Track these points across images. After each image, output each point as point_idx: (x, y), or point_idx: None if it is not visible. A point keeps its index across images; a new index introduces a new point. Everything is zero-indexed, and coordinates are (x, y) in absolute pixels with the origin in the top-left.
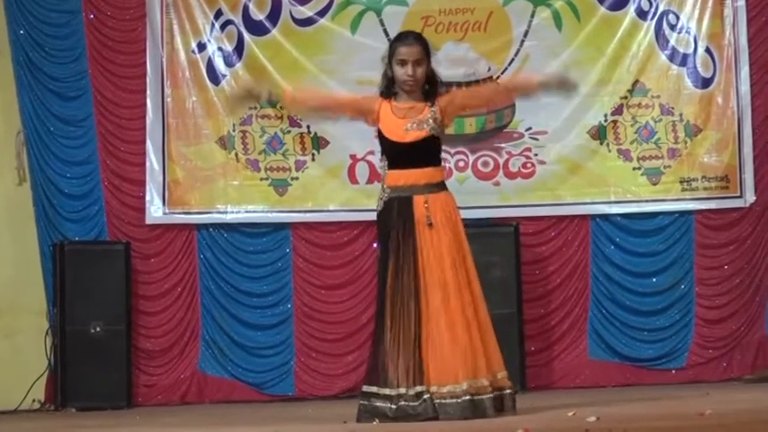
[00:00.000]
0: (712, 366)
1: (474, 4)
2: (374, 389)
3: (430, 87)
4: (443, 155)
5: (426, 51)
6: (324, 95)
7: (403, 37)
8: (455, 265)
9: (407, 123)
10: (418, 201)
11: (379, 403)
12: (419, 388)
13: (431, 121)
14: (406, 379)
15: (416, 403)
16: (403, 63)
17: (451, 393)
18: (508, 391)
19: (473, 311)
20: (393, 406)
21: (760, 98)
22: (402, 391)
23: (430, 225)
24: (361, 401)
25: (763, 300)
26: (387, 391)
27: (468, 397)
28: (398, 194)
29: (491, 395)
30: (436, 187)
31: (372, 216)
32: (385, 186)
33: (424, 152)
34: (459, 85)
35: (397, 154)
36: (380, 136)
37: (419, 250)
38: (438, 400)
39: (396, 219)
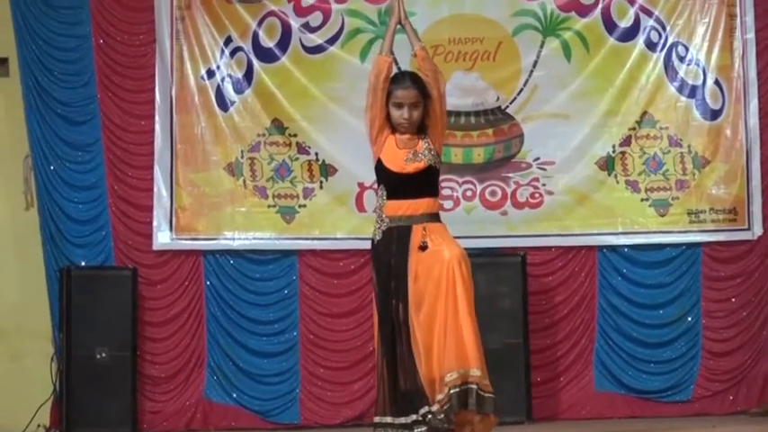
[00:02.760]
0: (719, 399)
1: (483, 34)
2: (388, 419)
3: (425, 123)
4: (451, 184)
5: (423, 93)
6: (384, 82)
7: (400, 79)
8: (442, 278)
9: (407, 155)
10: (417, 229)
11: None
12: (423, 410)
13: (426, 152)
14: (412, 406)
15: (424, 428)
16: (399, 106)
17: (440, 401)
18: (474, 386)
19: (453, 312)
20: None
21: None
22: (413, 417)
23: (424, 248)
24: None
25: None
26: (402, 420)
27: (455, 389)
28: (397, 224)
29: (457, 389)
30: (434, 217)
31: None
32: (384, 216)
33: (423, 183)
34: (467, 114)
35: (398, 184)
36: (380, 166)
37: (410, 276)
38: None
39: (394, 248)
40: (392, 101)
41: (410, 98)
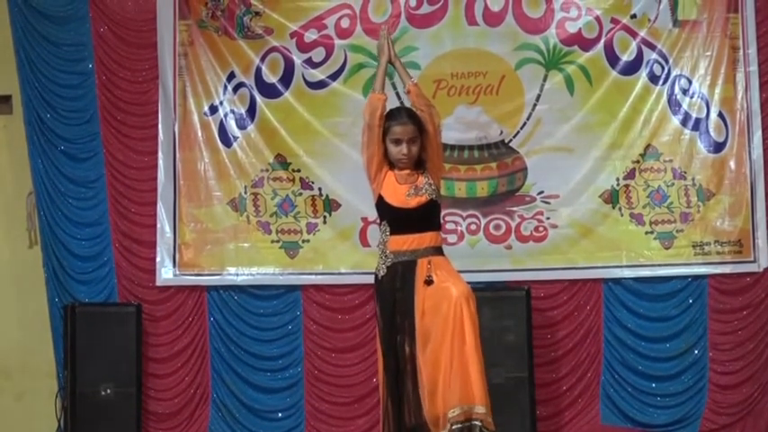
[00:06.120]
0: None
1: (486, 68)
2: None
3: (422, 157)
4: (455, 218)
5: (420, 128)
6: (380, 120)
7: (396, 115)
8: (449, 315)
9: (408, 189)
10: (422, 263)
11: None
12: None
13: (427, 186)
14: None
15: None
16: (397, 142)
17: None
18: (478, 423)
19: (459, 349)
20: None
21: None
22: None
23: (429, 282)
24: None
25: None
26: None
27: (457, 425)
28: (402, 259)
29: (460, 425)
30: (438, 251)
31: None
32: (388, 252)
33: (426, 217)
34: (471, 148)
35: (401, 219)
36: (381, 203)
37: (417, 312)
38: None
39: (399, 283)
40: (390, 137)
41: (408, 134)
